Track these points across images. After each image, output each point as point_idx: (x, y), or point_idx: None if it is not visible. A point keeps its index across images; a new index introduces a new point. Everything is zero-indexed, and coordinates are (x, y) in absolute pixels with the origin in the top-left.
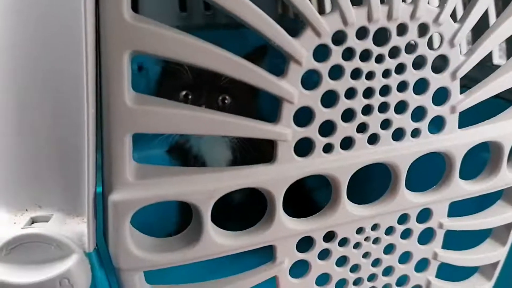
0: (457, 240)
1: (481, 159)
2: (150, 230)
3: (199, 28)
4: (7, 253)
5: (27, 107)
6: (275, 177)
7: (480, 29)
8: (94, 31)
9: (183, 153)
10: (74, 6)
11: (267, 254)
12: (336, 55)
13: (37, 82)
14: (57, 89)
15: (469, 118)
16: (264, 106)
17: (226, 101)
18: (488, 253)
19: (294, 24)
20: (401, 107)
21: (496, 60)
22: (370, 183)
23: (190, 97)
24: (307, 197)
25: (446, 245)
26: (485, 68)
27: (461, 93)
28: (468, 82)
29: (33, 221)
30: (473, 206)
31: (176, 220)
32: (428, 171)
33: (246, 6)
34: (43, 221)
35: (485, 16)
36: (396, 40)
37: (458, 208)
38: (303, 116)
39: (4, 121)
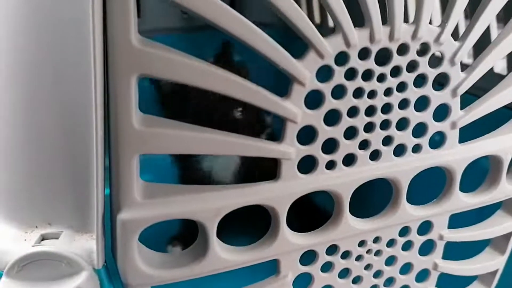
0: (456, 250)
1: (479, 168)
2: (152, 232)
3: (202, 29)
4: (19, 270)
5: (38, 126)
6: (279, 194)
7: (481, 43)
8: (102, 56)
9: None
10: (82, 31)
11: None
12: (338, 76)
13: (47, 104)
14: (67, 109)
15: (471, 126)
16: None
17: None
18: (487, 263)
19: None
20: (402, 124)
21: (498, 68)
22: (370, 197)
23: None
24: (307, 199)
25: (445, 255)
26: (486, 75)
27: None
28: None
29: (43, 238)
30: (472, 215)
31: (178, 222)
32: (427, 184)
33: (252, 31)
34: (53, 238)
35: (486, 31)
36: (397, 60)
37: (457, 217)
38: (305, 134)
39: (15, 140)
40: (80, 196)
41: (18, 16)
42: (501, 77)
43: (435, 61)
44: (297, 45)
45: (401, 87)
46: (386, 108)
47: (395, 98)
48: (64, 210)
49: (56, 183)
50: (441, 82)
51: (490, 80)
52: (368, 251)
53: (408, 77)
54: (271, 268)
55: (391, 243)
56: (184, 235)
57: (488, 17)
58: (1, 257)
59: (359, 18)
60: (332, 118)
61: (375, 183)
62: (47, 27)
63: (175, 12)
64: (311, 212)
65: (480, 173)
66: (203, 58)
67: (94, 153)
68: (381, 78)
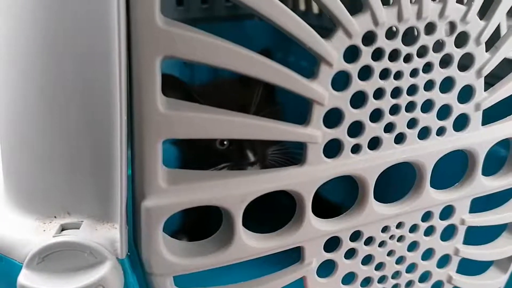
0: (472, 236)
1: (493, 156)
2: None
3: (196, 21)
4: (40, 262)
5: (58, 113)
6: (305, 179)
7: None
8: (126, 37)
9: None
10: (106, 12)
11: None
12: (366, 56)
13: (69, 89)
14: (89, 96)
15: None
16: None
17: None
18: (505, 247)
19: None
20: (427, 106)
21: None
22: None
23: (225, 142)
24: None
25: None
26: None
27: None
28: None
29: (63, 228)
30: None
31: (181, 217)
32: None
33: (282, 11)
34: (73, 228)
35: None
36: (424, 39)
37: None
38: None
39: (34, 128)
40: (101, 184)
41: None
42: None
43: (461, 42)
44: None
45: (427, 67)
46: (412, 90)
47: (421, 79)
48: (84, 198)
49: (76, 171)
50: (464, 65)
51: (506, 67)
52: (391, 237)
53: (434, 58)
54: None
55: (413, 228)
56: (187, 227)
57: None
58: (20, 249)
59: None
60: (358, 100)
61: (394, 171)
62: (70, 7)
63: (170, 4)
64: (316, 204)
65: (494, 162)
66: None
67: (117, 139)
68: (408, 58)
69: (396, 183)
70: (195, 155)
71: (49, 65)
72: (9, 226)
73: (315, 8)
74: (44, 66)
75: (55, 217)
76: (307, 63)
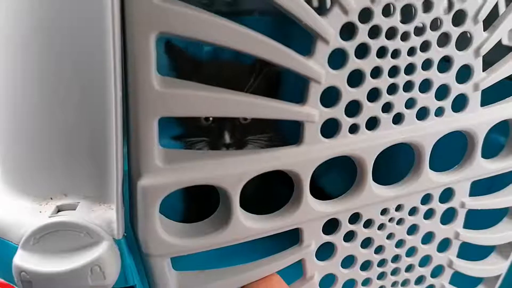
0: (473, 222)
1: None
2: None
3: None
4: (35, 242)
5: (53, 94)
6: (302, 159)
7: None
8: (120, 14)
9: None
10: None
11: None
12: (362, 33)
13: (63, 69)
14: (84, 75)
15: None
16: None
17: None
18: (506, 232)
19: None
20: (425, 86)
21: (505, 41)
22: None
23: (211, 118)
24: (313, 183)
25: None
26: (495, 48)
27: None
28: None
29: (59, 209)
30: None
31: (181, 209)
32: (445, 154)
33: None
34: (69, 209)
35: None
36: (421, 17)
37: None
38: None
39: (30, 109)
40: (98, 165)
41: None
42: (509, 49)
43: (459, 20)
44: (291, 32)
45: (425, 46)
46: (409, 69)
47: (419, 58)
48: (80, 180)
49: (73, 151)
50: (462, 46)
51: (500, 53)
52: (391, 220)
53: (432, 36)
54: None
55: (413, 211)
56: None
57: None
58: (16, 230)
59: None
60: (355, 80)
61: (393, 153)
62: None
63: None
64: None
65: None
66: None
67: (113, 118)
68: (405, 36)
69: (397, 170)
70: (179, 124)
71: (43, 44)
72: (5, 208)
73: (315, 2)
74: (38, 44)
75: (51, 198)
76: None
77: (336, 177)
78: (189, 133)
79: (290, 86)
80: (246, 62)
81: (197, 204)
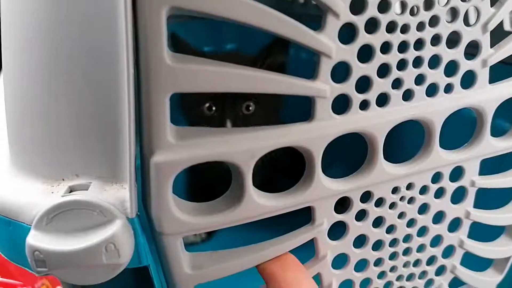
0: (482, 202)
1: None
2: None
3: (197, 17)
4: (48, 222)
5: (64, 73)
6: (314, 135)
7: None
8: None
9: None
10: None
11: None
12: (372, 7)
13: (74, 48)
14: (94, 51)
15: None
16: (287, 113)
17: (250, 108)
18: None
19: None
20: (434, 62)
21: (507, 26)
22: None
23: (213, 108)
24: None
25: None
26: (496, 33)
27: None
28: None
29: (71, 189)
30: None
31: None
32: (454, 134)
33: None
34: (82, 189)
35: None
36: None
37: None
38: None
39: (40, 89)
40: (110, 144)
41: None
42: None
43: None
44: None
45: (434, 21)
46: (419, 45)
47: (428, 33)
48: (92, 159)
49: (84, 131)
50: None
51: (502, 38)
52: (402, 198)
53: (440, 11)
54: None
55: (424, 190)
56: None
57: None
58: (28, 211)
59: None
60: (365, 56)
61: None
62: None
63: None
64: None
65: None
66: None
67: (125, 96)
68: (414, 11)
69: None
70: (182, 113)
71: (54, 25)
72: (16, 190)
73: None
74: (49, 26)
75: (63, 179)
76: (306, 55)
77: (338, 173)
78: (192, 123)
79: None
80: (249, 54)
81: (201, 197)
